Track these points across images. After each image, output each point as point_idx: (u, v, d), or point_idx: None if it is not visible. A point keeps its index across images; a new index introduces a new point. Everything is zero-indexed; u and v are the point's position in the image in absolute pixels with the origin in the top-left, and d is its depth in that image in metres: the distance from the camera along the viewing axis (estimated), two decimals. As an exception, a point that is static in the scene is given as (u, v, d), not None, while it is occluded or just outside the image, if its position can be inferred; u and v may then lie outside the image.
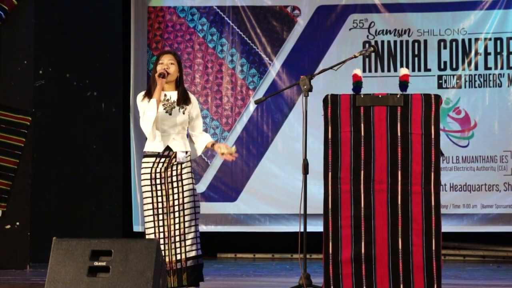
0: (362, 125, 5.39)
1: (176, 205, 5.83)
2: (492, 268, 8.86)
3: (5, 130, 8.35)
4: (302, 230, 5.52)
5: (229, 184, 9.94)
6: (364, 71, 9.66)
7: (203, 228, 9.52)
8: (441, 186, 5.43)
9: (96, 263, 5.44)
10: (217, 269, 8.59)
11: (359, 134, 5.39)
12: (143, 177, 5.91)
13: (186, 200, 5.83)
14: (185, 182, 5.85)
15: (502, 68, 9.63)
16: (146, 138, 10.21)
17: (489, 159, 9.59)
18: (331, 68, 5.89)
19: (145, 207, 5.87)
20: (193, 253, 5.85)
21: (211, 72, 10.04)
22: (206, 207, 9.73)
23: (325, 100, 5.46)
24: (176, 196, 5.83)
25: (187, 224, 5.82)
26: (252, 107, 9.99)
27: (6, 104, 8.41)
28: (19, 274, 7.85)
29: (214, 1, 10.08)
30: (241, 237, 9.93)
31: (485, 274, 8.28)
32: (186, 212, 5.83)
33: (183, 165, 5.88)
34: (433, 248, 5.29)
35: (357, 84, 5.58)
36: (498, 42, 9.64)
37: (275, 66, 9.97)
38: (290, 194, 9.46)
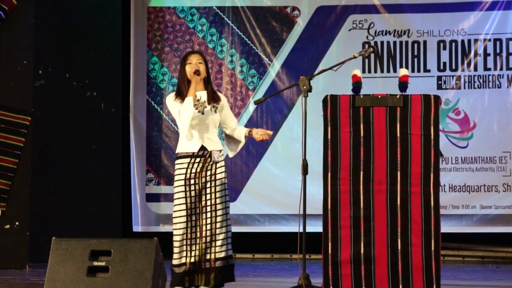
0: (361, 125, 5.40)
1: (209, 206, 5.86)
2: (491, 269, 8.87)
3: (5, 130, 8.37)
4: (301, 230, 5.51)
5: (228, 184, 9.89)
6: (363, 71, 9.65)
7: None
8: (441, 187, 5.45)
9: (95, 263, 5.47)
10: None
11: (358, 134, 5.40)
12: (177, 178, 5.90)
13: (218, 201, 5.88)
14: (218, 182, 5.90)
15: (501, 69, 9.62)
16: (146, 139, 10.27)
17: (488, 160, 9.58)
18: (330, 68, 5.89)
19: (177, 207, 5.85)
20: (222, 254, 5.88)
21: (210, 72, 10.03)
22: (206, 207, 9.74)
23: (324, 100, 5.46)
24: (208, 197, 5.86)
25: (218, 225, 5.85)
26: (251, 107, 10.00)
27: (5, 104, 8.43)
28: (19, 274, 7.86)
29: (214, 1, 10.08)
30: (241, 237, 9.87)
31: (484, 274, 8.29)
32: (218, 213, 5.86)
33: (218, 165, 5.92)
34: (432, 248, 5.30)
35: (357, 84, 5.59)
36: (498, 43, 9.64)
37: (275, 67, 9.97)
38: (290, 194, 9.46)
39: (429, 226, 5.30)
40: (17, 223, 8.36)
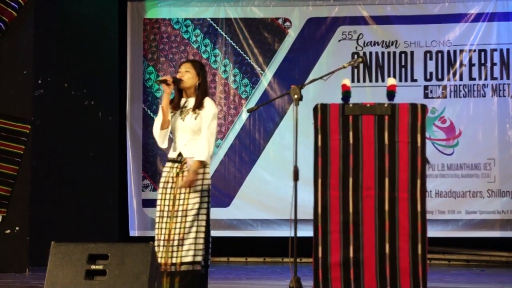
0: (350, 133, 5.49)
1: (180, 210, 5.82)
2: (476, 272, 8.94)
3: (5, 138, 8.39)
4: (292, 235, 5.58)
5: (222, 190, 9.94)
6: (352, 81, 9.64)
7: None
8: (427, 193, 5.52)
9: (93, 267, 5.48)
10: (210, 272, 8.65)
11: (347, 142, 5.49)
12: (160, 180, 5.95)
13: (190, 207, 5.83)
14: (192, 189, 5.85)
15: (486, 78, 9.69)
16: (142, 146, 10.35)
17: (473, 167, 9.64)
18: (320, 78, 5.94)
19: (156, 208, 5.90)
20: (188, 259, 5.82)
21: (204, 82, 10.11)
22: (200, 213, 9.82)
23: (315, 109, 5.55)
24: (182, 202, 5.84)
25: (186, 230, 5.80)
26: (244, 115, 10.05)
27: (6, 112, 8.44)
28: (19, 278, 7.90)
29: (208, 13, 10.14)
30: (234, 241, 9.86)
31: (469, 278, 8.37)
32: (188, 218, 5.81)
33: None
34: (419, 252, 5.39)
35: (346, 93, 5.65)
36: (482, 53, 9.72)
37: (267, 76, 10.04)
38: (281, 200, 9.44)
39: (416, 231, 5.39)
40: (17, 228, 8.38)
